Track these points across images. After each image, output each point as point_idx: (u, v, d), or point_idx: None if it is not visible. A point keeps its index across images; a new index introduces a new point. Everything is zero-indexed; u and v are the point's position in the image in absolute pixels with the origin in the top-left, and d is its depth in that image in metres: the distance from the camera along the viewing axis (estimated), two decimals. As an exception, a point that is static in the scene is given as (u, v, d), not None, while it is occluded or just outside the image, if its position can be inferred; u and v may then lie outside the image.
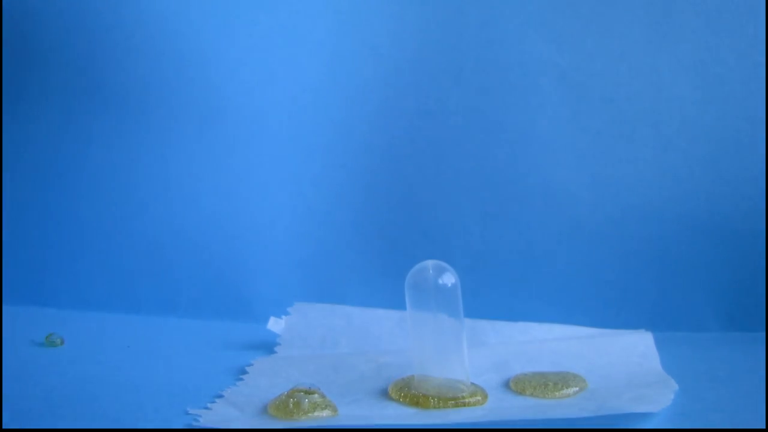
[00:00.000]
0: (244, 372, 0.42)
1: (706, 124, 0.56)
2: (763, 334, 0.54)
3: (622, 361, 0.44)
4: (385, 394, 0.39)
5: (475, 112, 0.58)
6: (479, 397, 0.38)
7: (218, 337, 0.52)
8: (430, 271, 0.39)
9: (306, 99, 0.59)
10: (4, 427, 0.34)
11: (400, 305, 0.41)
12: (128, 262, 0.59)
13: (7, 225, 0.59)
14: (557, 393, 0.39)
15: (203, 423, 0.34)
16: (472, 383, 0.39)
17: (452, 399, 0.37)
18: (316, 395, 0.36)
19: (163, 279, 0.59)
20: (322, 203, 0.59)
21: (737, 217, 0.56)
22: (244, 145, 0.59)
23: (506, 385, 0.41)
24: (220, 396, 0.37)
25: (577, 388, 0.40)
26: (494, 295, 0.57)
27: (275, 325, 0.49)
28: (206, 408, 0.36)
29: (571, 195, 0.57)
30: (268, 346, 0.48)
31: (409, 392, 0.38)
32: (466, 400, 0.37)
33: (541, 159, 0.57)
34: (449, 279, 0.39)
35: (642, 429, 0.36)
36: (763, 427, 0.36)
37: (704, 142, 0.56)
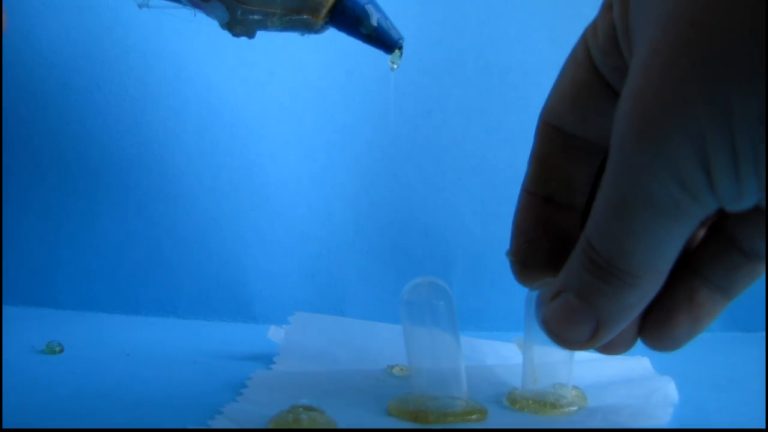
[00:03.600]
0: (243, 385, 0.42)
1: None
2: (763, 334, 0.54)
3: (621, 379, 0.44)
4: (384, 410, 0.39)
5: (475, 112, 0.58)
6: (478, 414, 0.38)
7: (218, 338, 0.52)
8: (425, 289, 0.39)
9: (306, 99, 0.59)
10: (4, 426, 0.34)
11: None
12: (128, 262, 0.59)
13: (7, 225, 0.59)
14: (556, 411, 0.39)
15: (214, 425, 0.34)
16: (471, 399, 0.39)
17: (451, 415, 0.37)
18: (315, 412, 0.36)
19: (163, 280, 0.58)
20: (322, 203, 0.59)
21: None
22: (244, 145, 0.59)
23: (504, 401, 0.41)
24: (220, 412, 0.37)
25: (576, 408, 0.39)
26: (494, 295, 0.57)
27: (275, 334, 0.49)
28: (206, 425, 0.36)
29: (571, 195, 0.57)
30: (267, 347, 0.48)
31: (407, 408, 0.38)
32: (465, 417, 0.37)
33: (541, 159, 0.57)
34: (444, 296, 0.38)
35: (642, 429, 0.36)
36: (763, 427, 0.36)
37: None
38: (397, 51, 0.36)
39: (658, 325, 0.25)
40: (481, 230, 0.58)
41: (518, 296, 0.57)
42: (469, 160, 0.58)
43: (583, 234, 0.24)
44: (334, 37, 0.58)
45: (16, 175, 0.59)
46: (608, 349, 0.27)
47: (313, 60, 0.58)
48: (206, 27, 0.58)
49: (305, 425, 0.35)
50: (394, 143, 0.58)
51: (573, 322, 0.24)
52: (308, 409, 0.36)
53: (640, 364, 0.47)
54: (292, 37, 0.58)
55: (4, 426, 0.34)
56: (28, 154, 0.59)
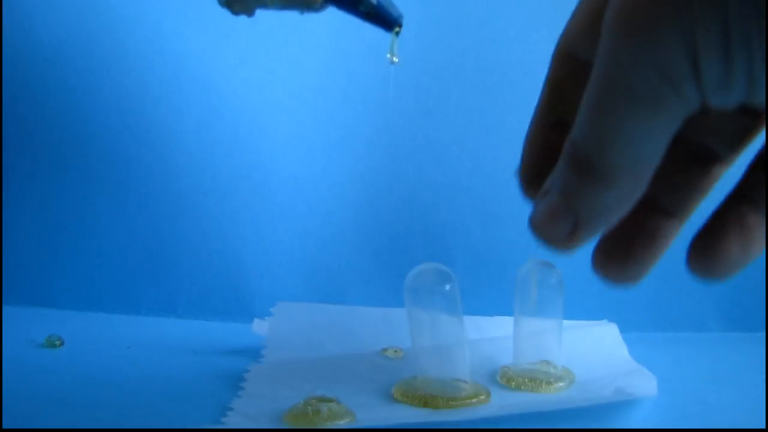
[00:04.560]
0: (241, 378, 0.42)
1: (706, 124, 0.56)
2: (763, 334, 0.54)
3: (595, 352, 0.46)
4: (389, 396, 0.40)
5: (475, 112, 0.58)
6: (483, 396, 0.39)
7: (218, 337, 0.52)
8: (430, 275, 0.39)
9: (306, 98, 0.59)
10: (4, 427, 0.34)
11: (400, 304, 0.41)
12: (128, 262, 0.59)
13: (7, 225, 0.59)
14: (551, 387, 0.41)
15: (229, 424, 0.34)
16: (474, 382, 0.40)
17: (459, 399, 0.38)
18: (332, 403, 0.36)
19: (163, 279, 0.58)
20: (322, 203, 0.59)
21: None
22: (244, 144, 0.59)
23: (497, 380, 0.42)
24: (230, 409, 0.37)
25: (566, 382, 0.41)
26: (494, 295, 0.57)
27: (259, 327, 0.49)
28: (220, 423, 0.35)
29: (571, 195, 0.57)
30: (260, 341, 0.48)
31: (415, 393, 0.38)
32: (472, 399, 0.38)
33: (541, 159, 0.57)
34: (448, 281, 0.39)
35: (643, 429, 0.36)
36: (763, 427, 0.36)
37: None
38: (394, 35, 0.36)
39: (709, 249, 0.26)
40: (481, 230, 0.58)
41: (518, 296, 0.57)
42: (469, 160, 0.58)
43: (569, 135, 0.24)
44: (334, 37, 0.59)
45: (16, 175, 0.59)
46: (620, 274, 0.28)
47: (314, 60, 0.58)
48: (206, 27, 0.58)
49: (326, 417, 0.35)
50: (394, 143, 0.58)
51: (554, 220, 0.25)
52: (323, 400, 0.36)
53: (609, 331, 0.50)
54: (292, 37, 0.59)
55: (5, 426, 0.34)
56: (28, 154, 0.59)
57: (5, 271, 0.59)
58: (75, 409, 0.36)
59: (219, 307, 0.58)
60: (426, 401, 0.38)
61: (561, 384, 0.41)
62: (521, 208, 0.63)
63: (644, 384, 0.40)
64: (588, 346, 0.47)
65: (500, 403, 0.38)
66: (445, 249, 0.58)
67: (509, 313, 0.54)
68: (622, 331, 0.54)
